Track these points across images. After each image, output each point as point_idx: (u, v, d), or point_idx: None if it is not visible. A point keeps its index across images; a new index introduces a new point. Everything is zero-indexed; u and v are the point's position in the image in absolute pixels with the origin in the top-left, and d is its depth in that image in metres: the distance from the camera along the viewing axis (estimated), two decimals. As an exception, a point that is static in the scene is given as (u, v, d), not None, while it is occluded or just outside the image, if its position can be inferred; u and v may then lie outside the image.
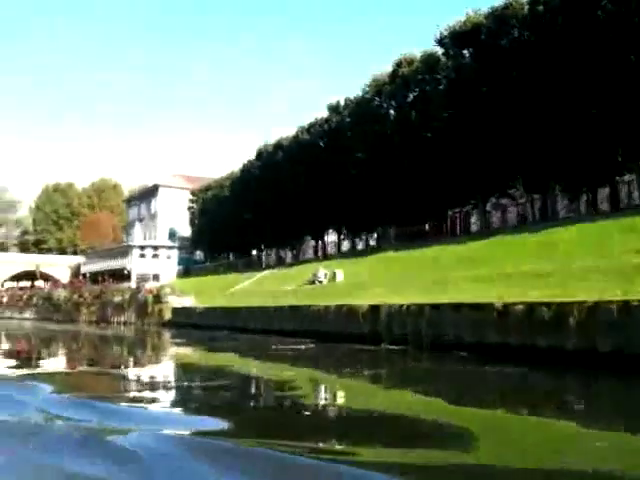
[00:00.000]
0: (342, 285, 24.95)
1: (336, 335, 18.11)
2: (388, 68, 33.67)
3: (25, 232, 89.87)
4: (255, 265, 50.91)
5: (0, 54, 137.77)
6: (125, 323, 40.61)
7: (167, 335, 30.84)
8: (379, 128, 33.50)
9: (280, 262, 47.36)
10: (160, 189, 64.02)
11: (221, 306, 28.82)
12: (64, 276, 70.30)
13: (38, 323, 46.57)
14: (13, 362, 14.26)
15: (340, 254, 40.76)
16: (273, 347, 17.12)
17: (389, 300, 17.32)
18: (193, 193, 58.77)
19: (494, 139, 26.72)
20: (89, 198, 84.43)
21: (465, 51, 28.55)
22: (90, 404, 6.88)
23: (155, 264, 56.55)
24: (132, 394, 9.18)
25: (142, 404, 7.81)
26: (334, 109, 38.01)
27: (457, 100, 27.92)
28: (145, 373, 13.02)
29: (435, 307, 14.92)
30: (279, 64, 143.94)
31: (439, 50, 30.16)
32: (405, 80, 31.55)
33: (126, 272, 55.72)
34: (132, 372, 13.25)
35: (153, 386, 10.46)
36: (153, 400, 8.34)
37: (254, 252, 55.58)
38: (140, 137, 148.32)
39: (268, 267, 45.53)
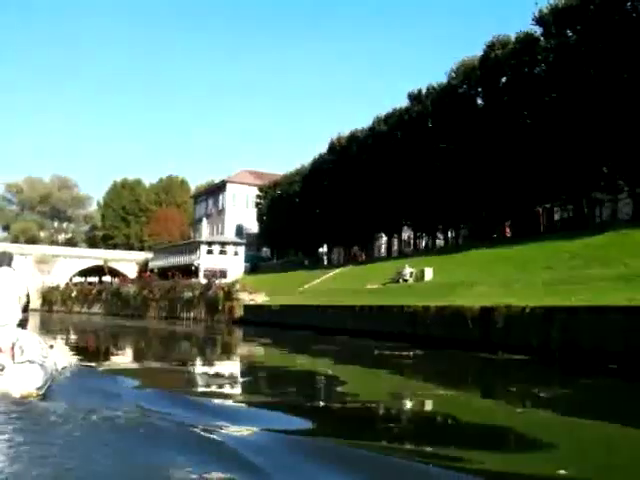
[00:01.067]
0: (433, 284, 22.83)
1: (438, 340, 16.06)
2: (476, 53, 31.37)
3: (94, 228, 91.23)
4: (322, 263, 49.44)
5: (71, 57, 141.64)
6: (194, 320, 39.62)
7: (239, 333, 29.56)
8: (465, 116, 31.22)
9: (350, 260, 45.50)
10: (228, 185, 63.21)
11: (301, 304, 27.06)
12: (131, 272, 70.63)
13: (107, 318, 46.39)
14: (84, 356, 13.98)
15: (417, 251, 38.62)
16: (376, 352, 15.12)
17: (501, 301, 15.16)
18: (261, 189, 57.65)
19: (601, 126, 24.04)
20: (156, 195, 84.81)
21: (569, 30, 25.93)
22: (180, 398, 7.12)
23: (223, 260, 55.71)
24: (214, 390, 9.07)
25: (228, 401, 7.78)
26: (415, 97, 35.83)
27: (560, 83, 25.34)
28: (226, 371, 12.71)
29: (571, 311, 12.66)
30: (355, 58, 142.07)
31: (537, 30, 27.62)
32: (497, 63, 29.10)
33: (193, 268, 55.05)
34: (212, 369, 13.01)
35: (236, 384, 10.39)
36: (239, 397, 8.37)
37: (322, 249, 54.14)
38: (207, 134, 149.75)
39: (338, 265, 43.77)
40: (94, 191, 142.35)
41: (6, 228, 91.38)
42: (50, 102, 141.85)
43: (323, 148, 46.79)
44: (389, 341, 17.13)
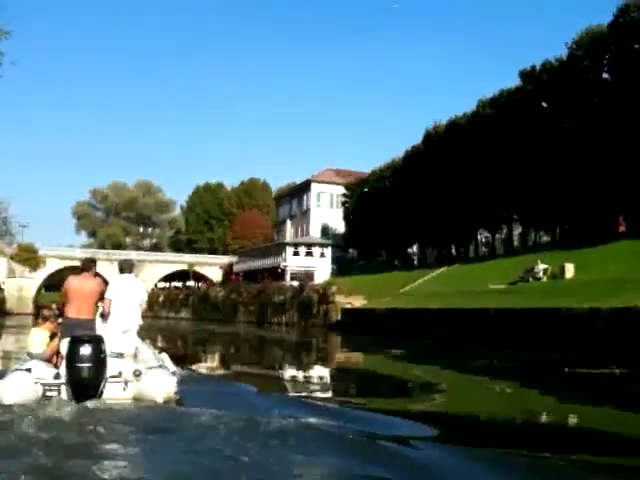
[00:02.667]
0: (579, 282, 19.29)
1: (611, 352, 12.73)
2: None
3: (178, 232, 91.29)
4: (412, 264, 46.28)
5: (152, 61, 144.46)
6: (286, 324, 37.40)
7: (338, 340, 27.07)
8: (588, 93, 27.42)
9: (445, 260, 42.03)
10: (312, 185, 60.96)
11: (413, 307, 24.06)
12: (216, 276, 69.75)
13: (195, 323, 45.12)
14: (182, 362, 13.06)
15: (529, 248, 34.73)
16: (566, 370, 11.85)
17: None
18: (348, 187, 54.98)
19: None
20: (238, 197, 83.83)
21: None
22: (312, 405, 7.37)
23: (309, 262, 53.41)
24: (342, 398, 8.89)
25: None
26: (528, 75, 32.11)
27: None
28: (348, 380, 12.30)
29: None
30: (450, 39, 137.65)
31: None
32: (634, 26, 25.16)
33: (280, 270, 53.05)
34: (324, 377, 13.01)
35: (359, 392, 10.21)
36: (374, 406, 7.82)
37: (411, 250, 50.98)
38: (289, 136, 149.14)
39: (432, 265, 40.41)
40: (177, 195, 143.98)
41: (92, 234, 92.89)
42: (133, 107, 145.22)
43: (413, 142, 43.78)
44: (546, 353, 13.94)
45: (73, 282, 7.29)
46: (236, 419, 5.31)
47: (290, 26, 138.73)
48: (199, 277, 70.84)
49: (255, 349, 23.76)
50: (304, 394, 9.13)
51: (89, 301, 7.17)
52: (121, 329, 7.31)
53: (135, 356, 7.14)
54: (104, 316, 7.49)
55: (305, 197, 62.30)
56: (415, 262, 48.30)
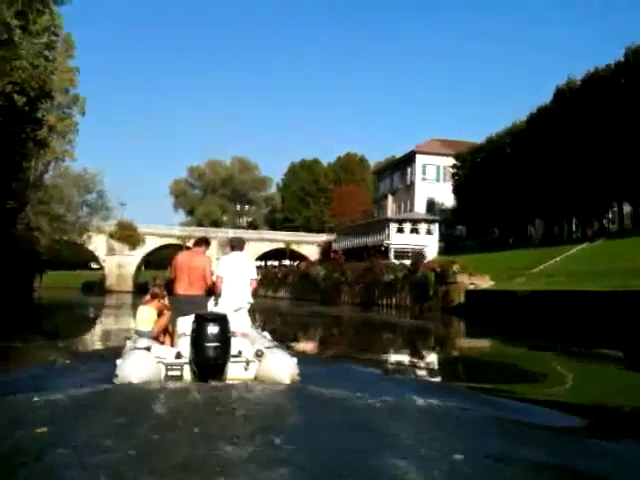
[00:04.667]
0: None
1: None
2: None
3: (274, 210, 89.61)
4: (529, 241, 41.22)
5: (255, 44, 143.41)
6: (397, 307, 33.69)
7: (459, 326, 23.31)
8: None
9: (581, 235, 36.71)
10: (417, 156, 56.38)
11: (572, 289, 19.52)
12: (313, 254, 67.26)
13: (294, 303, 42.63)
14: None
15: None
16: None
17: None
18: (458, 157, 50.11)
19: None
20: (335, 174, 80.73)
21: None
22: (447, 390, 7.44)
23: (415, 240, 49.28)
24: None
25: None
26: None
27: None
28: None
29: None
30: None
31: None
32: None
33: (383, 248, 49.25)
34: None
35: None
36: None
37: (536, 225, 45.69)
38: (385, 108, 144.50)
39: (566, 241, 35.27)
40: (273, 173, 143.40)
41: (190, 212, 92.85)
42: (229, 84, 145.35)
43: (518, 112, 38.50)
44: None
45: (182, 258, 7.25)
46: (373, 400, 5.32)
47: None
48: (296, 256, 68.76)
49: (363, 332, 21.33)
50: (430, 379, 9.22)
51: (199, 277, 7.02)
52: (233, 307, 7.08)
53: (246, 335, 6.98)
54: (214, 294, 7.28)
55: (409, 170, 57.91)
56: (535, 239, 43.19)
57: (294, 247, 69.97)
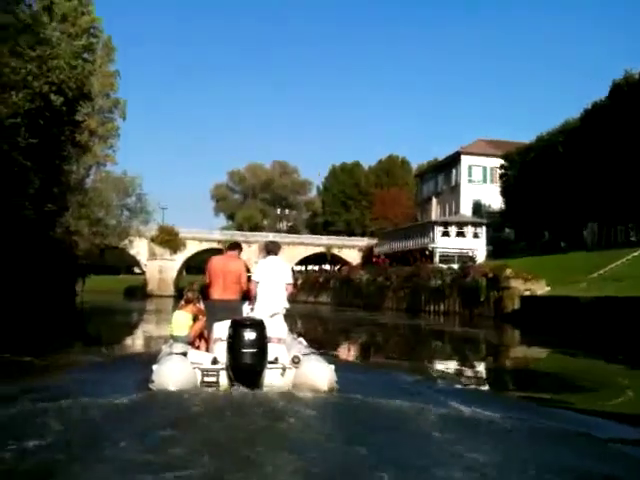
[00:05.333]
0: None
1: None
2: None
3: (314, 214, 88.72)
4: (583, 245, 38.99)
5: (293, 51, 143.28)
6: (445, 313, 32.16)
7: (514, 334, 21.83)
8: None
9: (637, 238, 34.49)
10: (462, 157, 54.65)
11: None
12: (354, 258, 66.07)
13: (335, 308, 41.45)
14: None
15: None
16: None
17: None
18: (506, 157, 48.17)
19: None
20: (376, 177, 79.36)
21: None
22: (499, 400, 7.27)
23: (461, 243, 47.56)
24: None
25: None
26: None
27: None
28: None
29: None
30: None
31: None
32: None
33: (427, 252, 47.66)
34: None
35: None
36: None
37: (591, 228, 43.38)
38: (427, 111, 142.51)
39: (630, 245, 33.14)
40: (313, 176, 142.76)
41: (231, 217, 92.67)
42: (269, 87, 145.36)
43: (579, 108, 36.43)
44: None
45: (217, 262, 7.21)
46: (415, 409, 5.20)
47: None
48: (336, 260, 67.62)
49: (408, 340, 20.24)
50: (472, 387, 8.89)
51: (234, 282, 6.98)
52: (268, 312, 6.90)
53: (283, 341, 6.68)
54: (249, 298, 7.25)
55: (454, 171, 56.18)
56: (588, 242, 41.00)
57: (335, 251, 69.05)
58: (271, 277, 7.07)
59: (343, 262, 65.59)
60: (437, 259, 46.85)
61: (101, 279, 77.12)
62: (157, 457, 3.82)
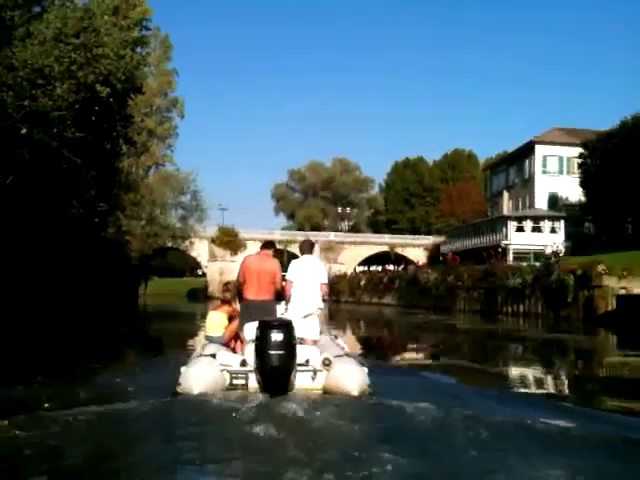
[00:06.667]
0: None
1: None
2: None
3: (377, 212, 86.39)
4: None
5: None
6: (525, 315, 29.21)
7: (611, 339, 19.09)
8: None
9: None
10: (536, 147, 51.01)
11: None
12: (419, 258, 63.37)
13: (401, 310, 39.01)
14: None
15: None
16: None
17: None
18: (586, 145, 44.42)
19: None
20: (442, 171, 76.31)
21: None
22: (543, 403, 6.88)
23: (537, 239, 44.40)
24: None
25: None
26: None
27: None
28: None
29: None
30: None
31: None
32: None
33: (500, 250, 44.58)
34: None
35: None
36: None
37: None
38: (493, 102, 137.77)
39: None
40: (375, 173, 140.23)
41: (291, 216, 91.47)
42: (328, 85, 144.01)
43: None
44: None
45: (250, 262, 7.13)
46: (458, 415, 4.88)
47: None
48: (400, 259, 65.11)
49: (482, 346, 17.78)
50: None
51: (268, 282, 6.82)
52: (302, 313, 6.78)
53: (316, 342, 6.64)
54: (283, 299, 7.13)
55: (527, 163, 52.63)
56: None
57: (398, 250, 66.75)
58: (305, 277, 6.92)
59: (407, 261, 63.05)
60: (511, 256, 43.78)
61: (165, 282, 77.36)
62: (170, 464, 3.80)
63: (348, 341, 18.25)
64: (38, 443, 4.11)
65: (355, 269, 65.00)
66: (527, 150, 52.30)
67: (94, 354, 11.67)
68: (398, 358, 13.21)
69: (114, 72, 23.06)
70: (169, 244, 47.51)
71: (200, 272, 78.00)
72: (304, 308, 6.83)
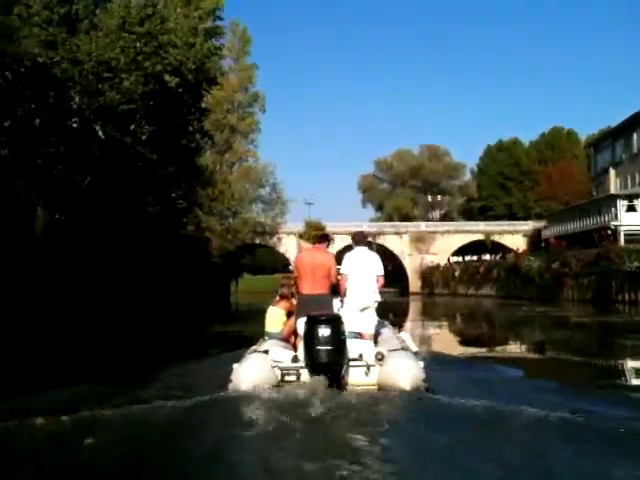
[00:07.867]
0: None
1: None
2: None
3: (470, 199, 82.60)
4: None
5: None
6: (647, 304, 25.86)
7: None
8: None
9: None
10: (646, 117, 46.26)
11: None
12: (518, 244, 59.47)
13: (500, 302, 36.23)
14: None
15: None
16: None
17: None
18: None
19: None
20: (539, 152, 71.57)
21: None
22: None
23: (650, 219, 40.02)
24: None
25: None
26: None
27: None
28: None
29: None
30: None
31: None
32: None
33: (609, 232, 40.56)
34: None
35: None
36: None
37: None
38: (593, 75, 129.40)
39: None
40: (466, 158, 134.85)
41: (379, 208, 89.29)
42: (409, 70, 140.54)
43: None
44: None
45: (304, 256, 7.08)
46: (517, 413, 4.52)
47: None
48: (497, 248, 61.40)
49: (599, 344, 15.14)
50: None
51: (323, 275, 6.61)
52: (358, 307, 6.71)
53: (375, 336, 6.67)
54: (339, 293, 6.91)
55: (635, 136, 47.80)
56: None
57: (495, 238, 63.05)
58: (360, 269, 6.81)
59: (505, 249, 59.34)
60: (622, 239, 39.73)
61: (256, 279, 77.52)
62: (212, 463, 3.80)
63: (443, 340, 16.23)
64: (90, 444, 4.08)
65: (449, 259, 62.22)
66: (635, 122, 47.43)
67: (174, 352, 11.82)
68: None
69: (184, 62, 22.06)
70: (257, 241, 46.71)
71: (291, 268, 77.56)
72: (360, 302, 6.69)
